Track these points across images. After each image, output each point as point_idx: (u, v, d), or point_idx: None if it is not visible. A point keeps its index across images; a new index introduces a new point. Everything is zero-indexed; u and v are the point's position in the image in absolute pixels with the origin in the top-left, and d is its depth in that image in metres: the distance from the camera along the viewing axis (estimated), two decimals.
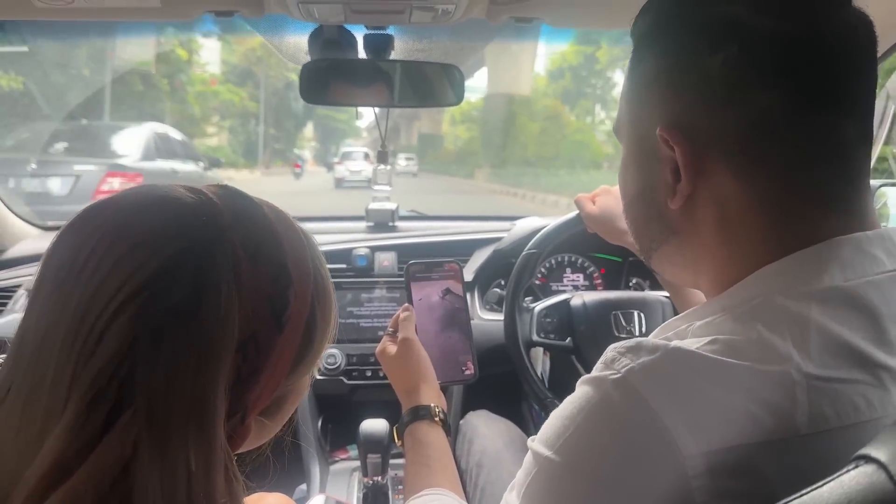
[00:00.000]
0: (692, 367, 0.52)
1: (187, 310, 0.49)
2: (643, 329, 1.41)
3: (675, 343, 0.54)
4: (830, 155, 0.57)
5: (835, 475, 0.42)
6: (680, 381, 0.52)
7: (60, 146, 7.53)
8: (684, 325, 0.60)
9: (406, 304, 1.08)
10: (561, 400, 0.60)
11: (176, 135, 9.19)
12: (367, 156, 20.46)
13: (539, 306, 1.49)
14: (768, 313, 0.54)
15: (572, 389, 0.59)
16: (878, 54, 0.59)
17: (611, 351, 0.57)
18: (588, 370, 0.59)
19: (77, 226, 0.53)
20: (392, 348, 1.03)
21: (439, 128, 36.55)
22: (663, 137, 0.60)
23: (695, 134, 0.59)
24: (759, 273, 0.58)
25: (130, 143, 7.72)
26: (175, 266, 0.50)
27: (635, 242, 0.72)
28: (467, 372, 1.07)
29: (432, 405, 0.96)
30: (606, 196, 1.26)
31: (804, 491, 0.42)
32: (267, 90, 28.01)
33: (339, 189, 18.53)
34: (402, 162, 26.35)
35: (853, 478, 0.41)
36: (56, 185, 6.34)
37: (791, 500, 0.42)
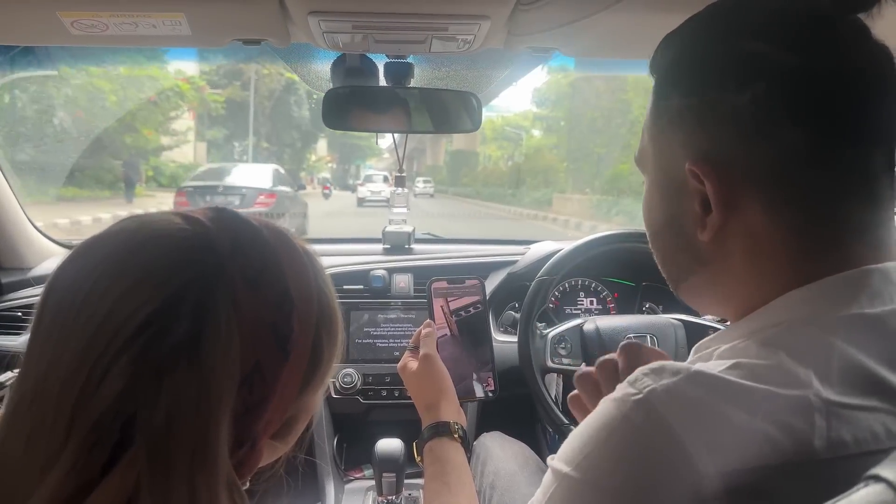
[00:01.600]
0: (713, 389, 0.53)
1: (188, 347, 0.48)
2: None
3: (697, 366, 0.55)
4: (858, 186, 0.57)
5: (844, 494, 0.42)
6: (700, 403, 0.52)
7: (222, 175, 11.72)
8: (710, 347, 0.61)
9: (428, 321, 1.09)
10: (576, 425, 0.61)
11: (281, 169, 12.82)
12: (386, 178, 21.94)
13: (552, 332, 1.50)
14: (792, 339, 0.54)
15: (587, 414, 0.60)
16: None
17: (636, 372, 0.57)
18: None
19: (74, 264, 0.53)
20: (413, 364, 1.04)
21: (474, 144, 36.55)
22: (693, 172, 0.61)
23: (725, 168, 0.59)
24: (786, 298, 0.58)
25: (264, 175, 11.48)
26: (174, 304, 0.49)
27: (663, 273, 0.72)
28: (488, 388, 1.08)
29: (452, 422, 0.97)
30: None
31: None
32: (260, 93, 24.09)
33: (360, 207, 19.99)
34: (419, 185, 27.92)
35: (862, 497, 0.41)
36: (235, 201, 9.99)
37: None
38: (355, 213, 17.86)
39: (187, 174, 15.45)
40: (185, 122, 21.78)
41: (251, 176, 11.32)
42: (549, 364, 1.48)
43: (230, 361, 0.50)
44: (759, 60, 0.58)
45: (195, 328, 0.49)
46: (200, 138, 23.95)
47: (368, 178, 23.94)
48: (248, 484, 0.61)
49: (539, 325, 1.59)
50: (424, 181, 29.09)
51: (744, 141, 0.59)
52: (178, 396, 0.47)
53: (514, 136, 32.44)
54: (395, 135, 1.56)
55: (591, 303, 1.91)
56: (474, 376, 1.08)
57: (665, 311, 1.84)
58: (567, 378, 1.63)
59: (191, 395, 0.48)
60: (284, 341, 0.55)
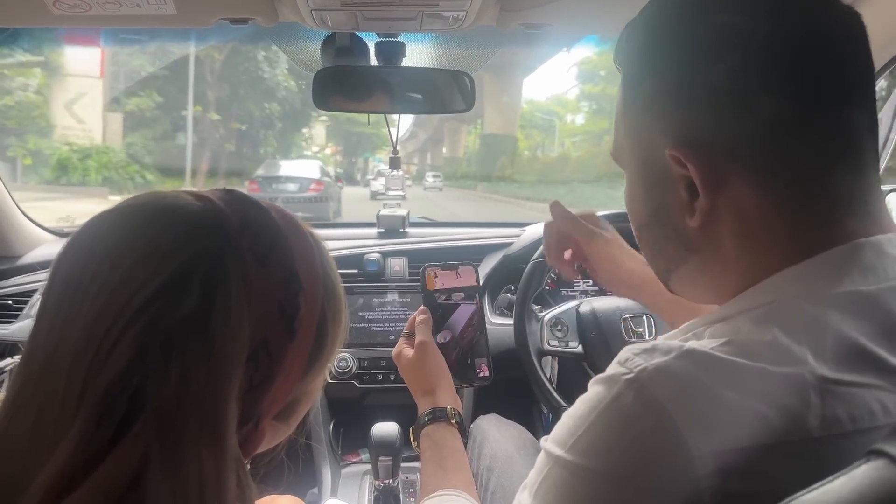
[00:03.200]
0: (705, 367, 0.52)
1: (197, 320, 0.48)
2: (654, 333, 1.41)
3: (689, 344, 0.54)
4: (843, 150, 0.56)
5: (846, 469, 0.42)
6: (692, 381, 0.52)
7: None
8: (702, 326, 0.60)
9: (422, 307, 1.08)
10: (572, 405, 0.60)
11: (324, 166, 15.83)
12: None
13: (548, 315, 1.50)
14: (785, 316, 0.54)
15: (582, 394, 0.60)
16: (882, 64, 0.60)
17: (626, 351, 0.57)
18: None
19: (83, 237, 0.53)
20: (409, 351, 1.04)
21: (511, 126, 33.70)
22: (674, 157, 0.59)
23: (707, 149, 0.58)
24: (779, 276, 0.58)
25: (313, 168, 14.32)
26: (183, 276, 0.49)
27: (651, 267, 0.71)
28: (482, 374, 1.08)
29: (448, 407, 0.97)
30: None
31: (815, 486, 0.42)
32: (212, 74, 17.39)
33: (373, 200, 19.75)
34: (429, 179, 28.60)
35: (864, 472, 0.41)
36: (293, 187, 12.64)
37: (802, 495, 0.42)
38: (370, 204, 18.07)
39: (88, 163, 13.98)
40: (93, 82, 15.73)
41: (304, 168, 14.03)
42: (546, 346, 1.47)
43: (239, 336, 0.50)
44: (730, 32, 0.57)
45: (205, 301, 0.49)
46: (115, 107, 16.73)
47: (381, 173, 23.49)
48: (248, 465, 0.61)
49: (535, 307, 1.59)
50: (433, 175, 29.34)
51: (723, 117, 0.57)
52: (188, 369, 0.47)
53: (544, 123, 28.93)
54: (389, 115, 1.53)
55: (588, 283, 1.90)
56: (469, 362, 1.08)
57: None
58: (563, 360, 1.63)
59: (200, 368, 0.48)
60: (291, 320, 0.55)
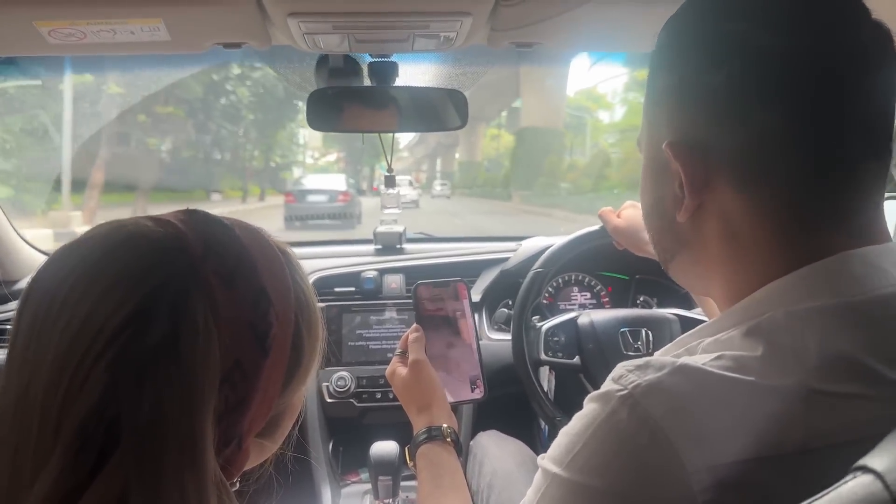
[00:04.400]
0: (698, 383, 0.53)
1: (167, 347, 0.49)
2: (651, 347, 1.42)
3: (682, 360, 0.55)
4: (834, 171, 0.57)
5: (832, 486, 0.42)
6: (685, 397, 0.52)
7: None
8: (695, 341, 0.61)
9: (415, 325, 1.08)
10: (569, 418, 0.61)
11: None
12: (411, 182, 22.67)
13: (546, 325, 1.50)
14: (774, 329, 0.54)
15: (579, 407, 0.60)
16: None
17: (619, 368, 0.57)
18: (596, 388, 0.59)
19: (49, 271, 0.53)
20: (402, 370, 1.03)
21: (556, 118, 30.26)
22: (668, 152, 0.61)
23: (698, 149, 0.60)
24: (768, 288, 0.58)
25: (340, 181, 16.64)
26: (150, 305, 0.49)
27: (654, 252, 0.73)
28: (477, 391, 1.08)
29: (444, 426, 0.96)
30: (633, 209, 1.28)
31: (803, 503, 0.43)
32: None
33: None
34: (437, 187, 28.86)
35: (850, 489, 0.41)
36: (324, 198, 14.62)
37: None
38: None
39: None
40: None
41: (333, 182, 16.33)
42: (542, 357, 1.47)
43: (210, 360, 0.51)
44: (736, 39, 0.57)
45: (172, 328, 0.49)
46: None
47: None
48: (237, 484, 0.62)
49: (533, 318, 1.59)
50: (441, 184, 29.68)
51: (718, 121, 0.59)
52: (161, 396, 0.48)
53: (573, 121, 24.04)
54: (382, 135, 1.54)
55: (585, 297, 1.90)
56: (464, 379, 1.08)
57: (660, 304, 1.84)
58: (560, 374, 1.63)
59: (173, 395, 0.48)
60: (263, 338, 0.56)
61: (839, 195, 0.57)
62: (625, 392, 0.54)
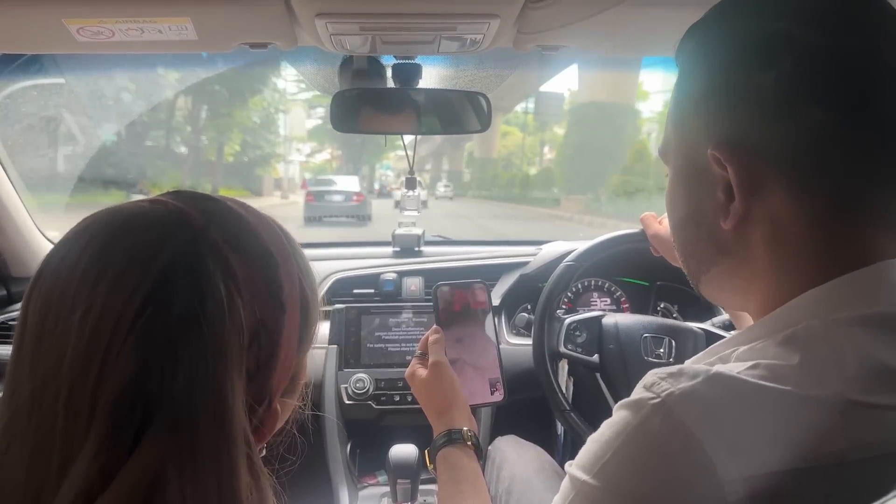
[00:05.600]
0: (733, 391, 0.52)
1: (194, 317, 0.49)
2: (672, 356, 1.40)
3: (716, 368, 0.54)
4: (884, 170, 0.56)
5: (882, 499, 0.41)
6: (720, 405, 0.51)
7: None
8: (728, 349, 0.60)
9: (435, 327, 1.08)
10: (582, 418, 0.60)
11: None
12: (420, 184, 22.50)
13: (570, 318, 1.48)
14: (812, 338, 0.54)
15: (594, 409, 0.59)
16: None
17: (651, 375, 0.56)
18: (612, 389, 0.59)
19: (54, 264, 0.53)
20: (422, 372, 1.03)
21: (460, 166, 30.40)
22: (714, 157, 0.60)
23: (748, 152, 0.58)
24: (806, 296, 0.57)
25: (355, 182, 18.16)
26: (169, 278, 0.50)
27: (683, 266, 0.71)
28: (497, 393, 1.07)
29: (464, 429, 0.96)
30: None
31: None
32: None
33: (396, 209, 20.66)
34: (440, 189, 28.94)
35: None
36: (340, 198, 16.05)
37: None
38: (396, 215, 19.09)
39: None
40: None
41: (348, 183, 17.81)
42: (562, 349, 1.45)
43: (236, 321, 0.52)
44: (785, 38, 0.56)
45: (197, 297, 0.50)
46: None
47: (403, 184, 24.98)
48: (265, 450, 0.65)
49: (557, 311, 1.57)
50: (444, 185, 29.81)
51: (767, 122, 0.57)
52: (195, 363, 0.49)
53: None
54: (405, 137, 1.54)
55: (605, 302, 1.89)
56: (483, 381, 1.07)
57: (680, 311, 1.82)
58: (578, 375, 1.61)
59: (206, 360, 0.49)
60: (278, 296, 0.57)
61: (889, 199, 0.57)
62: (658, 400, 0.53)
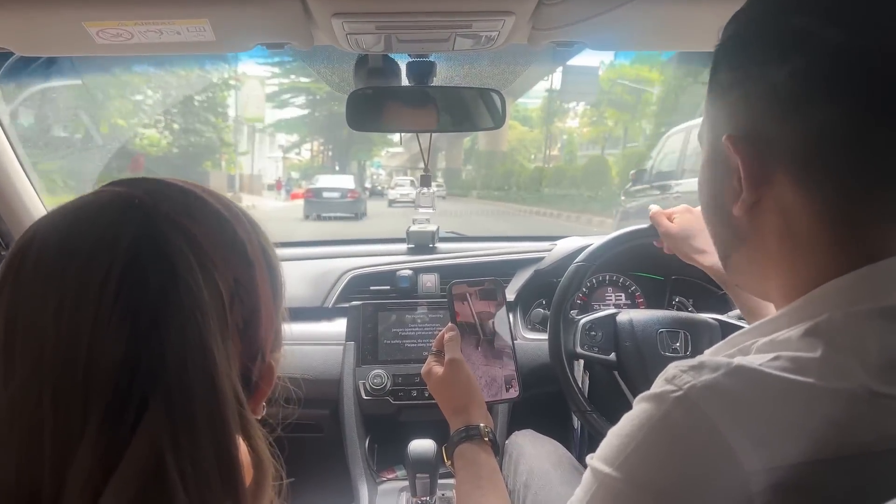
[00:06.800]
0: (755, 383, 0.52)
1: (170, 286, 0.50)
2: (689, 349, 1.40)
3: (738, 360, 0.54)
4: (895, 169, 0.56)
5: None
6: (742, 397, 0.52)
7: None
8: (749, 341, 0.60)
9: (450, 324, 1.09)
10: (601, 414, 0.61)
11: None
12: (412, 183, 23.03)
13: (584, 319, 1.49)
14: (834, 330, 0.54)
15: (613, 406, 0.60)
16: None
17: (672, 368, 0.57)
18: (631, 386, 0.59)
19: (12, 271, 0.52)
20: (438, 369, 1.04)
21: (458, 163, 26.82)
22: (728, 145, 0.61)
23: (759, 143, 0.59)
24: (825, 288, 0.57)
25: (349, 179, 19.25)
26: (137, 254, 0.50)
27: (715, 248, 0.72)
28: (512, 390, 1.08)
29: (481, 425, 0.96)
30: (687, 214, 1.26)
31: None
32: None
33: (390, 207, 21.23)
34: (433, 188, 27.91)
35: None
36: (337, 195, 17.11)
37: None
38: (391, 212, 19.26)
39: None
40: None
41: (343, 181, 19.00)
42: (578, 350, 1.46)
43: (211, 285, 0.53)
44: (802, 35, 0.57)
45: (167, 268, 0.51)
46: None
47: (398, 182, 25.05)
48: (265, 410, 0.66)
49: (572, 311, 1.57)
50: (436, 185, 29.53)
51: (780, 116, 0.58)
52: (181, 334, 0.49)
53: (630, 99, 19.35)
54: (420, 135, 1.55)
55: (620, 297, 1.89)
56: (499, 378, 1.08)
57: (695, 305, 1.82)
58: (594, 371, 1.62)
59: (191, 330, 0.50)
60: (244, 253, 0.59)
61: None
62: (680, 393, 0.54)
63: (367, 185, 25.84)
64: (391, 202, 22.47)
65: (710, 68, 0.67)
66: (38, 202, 1.78)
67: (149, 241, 0.51)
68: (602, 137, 20.48)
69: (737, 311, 1.56)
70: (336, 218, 16.54)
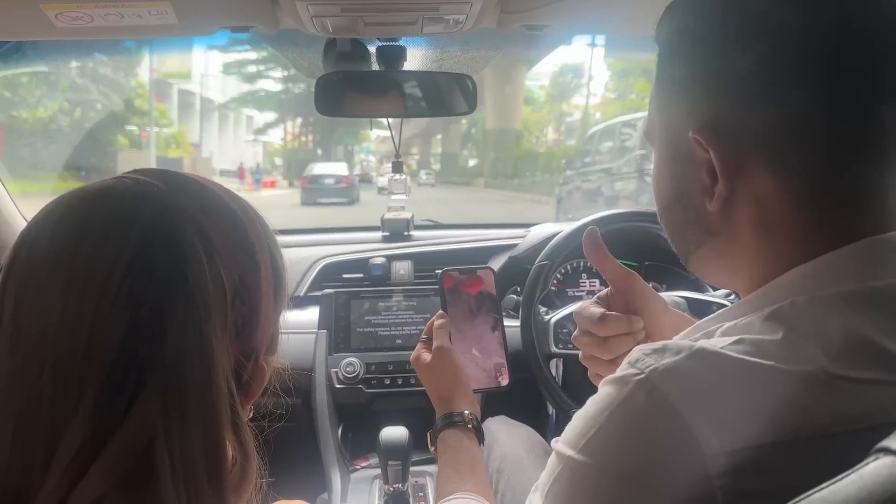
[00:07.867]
0: (715, 366, 0.52)
1: (177, 277, 0.51)
2: None
3: (700, 343, 0.54)
4: (867, 146, 0.56)
5: (854, 468, 0.42)
6: (703, 380, 0.52)
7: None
8: (714, 325, 0.60)
9: (440, 311, 1.09)
10: (580, 406, 0.61)
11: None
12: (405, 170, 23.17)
13: (555, 318, 1.50)
14: (796, 314, 0.54)
15: (589, 393, 0.60)
16: None
17: (636, 352, 0.56)
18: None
19: (27, 245, 0.53)
20: (426, 356, 1.04)
21: (455, 147, 29.86)
22: (697, 140, 0.60)
23: (729, 134, 0.58)
24: (791, 273, 0.57)
25: (343, 167, 21.04)
26: (149, 244, 0.51)
27: (673, 246, 0.71)
28: (501, 378, 1.08)
29: (466, 412, 0.97)
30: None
31: (823, 485, 0.42)
32: None
33: (380, 195, 20.77)
34: (422, 176, 28.71)
35: (872, 470, 0.40)
36: (332, 181, 19.38)
37: (810, 495, 0.42)
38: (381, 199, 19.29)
39: None
40: None
41: (337, 168, 20.70)
42: (554, 350, 1.47)
43: (217, 281, 0.54)
44: (763, 20, 0.56)
45: (177, 259, 0.52)
46: None
47: (386, 171, 24.66)
48: (251, 412, 0.67)
49: (542, 309, 1.58)
50: (426, 173, 29.73)
51: (748, 105, 0.57)
52: (182, 326, 0.50)
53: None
54: (391, 120, 1.54)
55: (594, 283, 1.89)
56: (488, 366, 1.08)
57: (669, 289, 1.83)
58: (568, 362, 1.62)
59: (192, 322, 0.51)
60: (252, 254, 0.60)
61: (872, 176, 0.57)
62: (642, 376, 0.54)
63: (358, 171, 25.86)
64: (380, 190, 21.85)
65: (658, 63, 0.66)
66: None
67: (161, 232, 0.52)
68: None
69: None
70: (331, 203, 17.74)
